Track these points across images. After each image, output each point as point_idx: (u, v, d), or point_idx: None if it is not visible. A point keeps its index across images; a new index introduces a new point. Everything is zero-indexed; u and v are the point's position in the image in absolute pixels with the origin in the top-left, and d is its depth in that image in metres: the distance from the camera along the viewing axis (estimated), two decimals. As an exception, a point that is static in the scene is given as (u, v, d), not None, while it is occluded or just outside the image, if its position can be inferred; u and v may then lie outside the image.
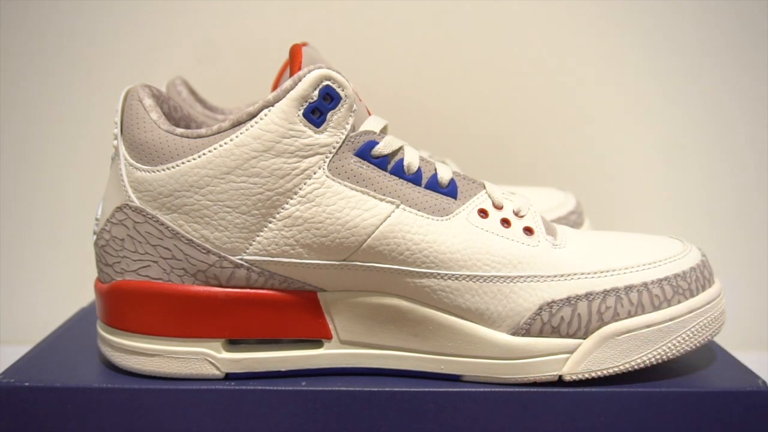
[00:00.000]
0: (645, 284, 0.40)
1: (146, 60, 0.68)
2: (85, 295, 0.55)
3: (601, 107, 0.69)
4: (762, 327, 0.71)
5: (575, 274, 0.40)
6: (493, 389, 0.40)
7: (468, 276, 0.40)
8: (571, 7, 0.68)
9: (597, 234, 0.44)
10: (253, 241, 0.39)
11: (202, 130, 0.39)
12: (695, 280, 0.41)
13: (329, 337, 0.41)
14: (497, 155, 0.69)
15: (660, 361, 0.40)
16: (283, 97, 0.38)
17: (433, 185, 0.41)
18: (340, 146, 0.39)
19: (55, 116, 0.69)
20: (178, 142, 0.39)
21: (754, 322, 0.71)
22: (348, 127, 0.39)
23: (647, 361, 0.40)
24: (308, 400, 0.40)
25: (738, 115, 0.69)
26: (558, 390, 0.40)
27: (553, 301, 0.40)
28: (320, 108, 0.39)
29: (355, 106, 0.40)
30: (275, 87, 0.50)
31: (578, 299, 0.40)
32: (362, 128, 0.40)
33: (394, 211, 0.40)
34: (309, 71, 0.38)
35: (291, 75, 0.39)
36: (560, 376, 0.40)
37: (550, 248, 0.41)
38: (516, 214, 0.42)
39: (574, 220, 0.55)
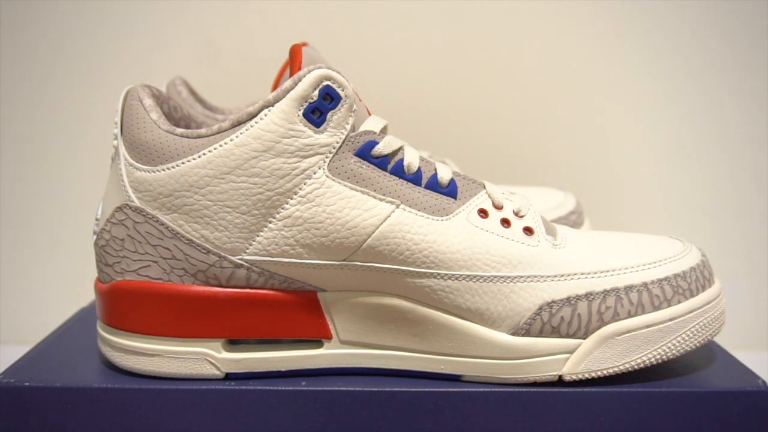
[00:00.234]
0: (645, 284, 0.40)
1: (146, 60, 0.68)
2: (85, 295, 0.55)
3: (601, 107, 0.69)
4: (762, 327, 0.71)
5: (575, 274, 0.40)
6: (493, 389, 0.40)
7: (468, 276, 0.40)
8: (571, 7, 0.68)
9: (597, 234, 0.44)
10: (253, 241, 0.39)
11: (202, 130, 0.39)
12: (695, 280, 0.41)
13: (329, 337, 0.41)
14: (497, 155, 0.69)
15: (660, 361, 0.40)
16: (283, 97, 0.38)
17: (433, 185, 0.41)
18: (340, 146, 0.39)
19: (55, 116, 0.69)
20: (178, 142, 0.39)
21: (754, 322, 0.71)
22: (348, 127, 0.39)
23: (647, 361, 0.40)
24: (308, 400, 0.40)
25: (738, 115, 0.69)
26: (558, 390, 0.40)
27: (553, 301, 0.40)
28: (320, 108, 0.39)
29: (355, 106, 0.40)
30: (275, 87, 0.50)
31: (578, 299, 0.40)
32: (362, 128, 0.40)
33: (394, 211, 0.40)
34: (309, 71, 0.38)
35: (291, 75, 0.39)
36: (560, 376, 0.40)
37: (550, 248, 0.41)
38: (516, 214, 0.42)
39: (574, 220, 0.55)
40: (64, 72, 0.68)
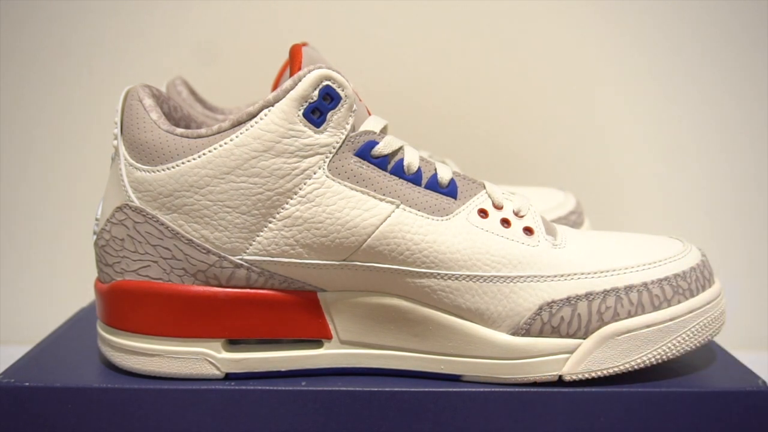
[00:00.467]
0: (645, 284, 0.40)
1: (146, 60, 0.68)
2: (85, 295, 0.55)
3: (601, 107, 0.69)
4: (762, 327, 0.71)
5: (575, 274, 0.40)
6: (493, 389, 0.40)
7: (468, 276, 0.40)
8: (571, 7, 0.68)
9: (597, 234, 0.44)
10: (253, 241, 0.39)
11: (202, 130, 0.39)
12: (695, 280, 0.41)
13: (329, 337, 0.41)
14: (497, 155, 0.69)
15: (660, 361, 0.40)
16: (283, 97, 0.38)
17: (433, 185, 0.41)
18: (340, 146, 0.39)
19: (55, 116, 0.69)
20: (178, 142, 0.39)
21: (754, 322, 0.71)
22: (348, 127, 0.39)
23: (647, 361, 0.40)
24: (308, 400, 0.40)
25: (738, 115, 0.69)
26: (558, 390, 0.40)
27: (553, 301, 0.40)
28: (320, 108, 0.39)
29: (355, 106, 0.40)
30: (275, 87, 0.50)
31: (578, 299, 0.40)
32: (362, 128, 0.40)
33: (394, 211, 0.40)
34: (309, 71, 0.38)
35: (291, 75, 0.39)
36: (560, 376, 0.40)
37: (550, 248, 0.41)
38: (516, 214, 0.42)
39: (574, 220, 0.55)
40: (64, 72, 0.68)
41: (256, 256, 0.40)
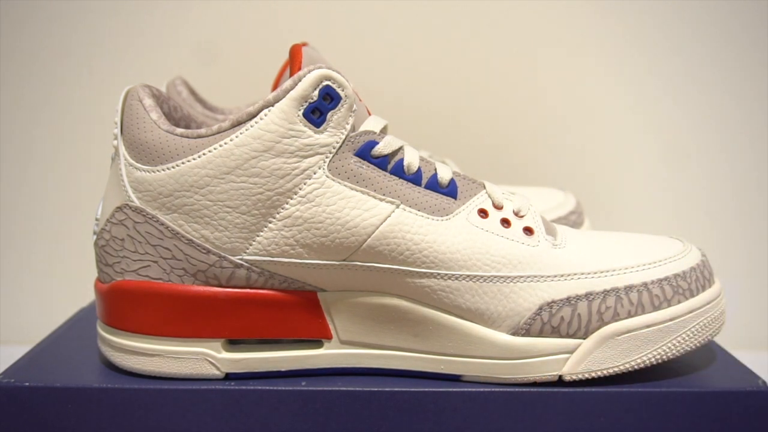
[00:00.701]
0: (645, 284, 0.40)
1: (146, 60, 0.68)
2: (85, 295, 0.55)
3: (601, 107, 0.69)
4: (762, 327, 0.71)
5: (575, 274, 0.40)
6: (493, 389, 0.40)
7: (468, 276, 0.40)
8: (571, 7, 0.68)
9: (597, 234, 0.44)
10: (253, 241, 0.39)
11: (202, 130, 0.39)
12: (695, 280, 0.41)
13: (329, 337, 0.41)
14: (497, 155, 0.69)
15: (660, 361, 0.40)
16: (283, 97, 0.38)
17: (433, 185, 0.41)
18: (340, 146, 0.39)
19: (55, 116, 0.69)
20: (178, 142, 0.39)
21: (754, 322, 0.71)
22: (348, 127, 0.39)
23: (647, 361, 0.40)
24: (308, 400, 0.40)
25: (738, 115, 0.69)
26: (558, 390, 0.40)
27: (553, 301, 0.40)
28: (320, 108, 0.39)
29: (355, 106, 0.40)
30: (275, 87, 0.50)
31: (578, 299, 0.40)
32: (362, 128, 0.40)
33: (394, 211, 0.40)
34: (309, 71, 0.38)
35: (291, 75, 0.39)
36: (560, 376, 0.40)
37: (550, 248, 0.41)
38: (516, 214, 0.42)
39: (574, 220, 0.55)
40: (64, 72, 0.68)
41: (256, 256, 0.40)
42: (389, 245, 0.39)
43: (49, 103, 0.68)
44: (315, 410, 0.40)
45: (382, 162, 0.40)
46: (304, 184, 0.39)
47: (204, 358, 0.40)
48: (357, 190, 0.39)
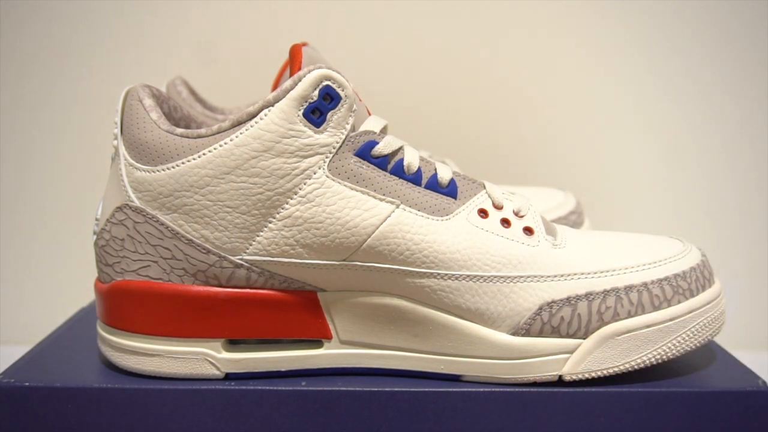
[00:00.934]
0: (645, 284, 0.40)
1: (146, 60, 0.68)
2: (85, 295, 0.55)
3: (601, 107, 0.69)
4: (762, 327, 0.71)
5: (575, 274, 0.40)
6: (493, 389, 0.40)
7: (468, 276, 0.40)
8: (571, 7, 0.68)
9: (597, 234, 0.44)
10: (253, 241, 0.39)
11: (202, 130, 0.39)
12: (695, 280, 0.41)
13: (329, 337, 0.41)
14: (497, 155, 0.69)
15: (660, 361, 0.40)
16: (283, 97, 0.38)
17: (433, 185, 0.41)
18: (340, 146, 0.39)
19: (55, 116, 0.69)
20: (178, 142, 0.39)
21: (754, 322, 0.71)
22: (348, 127, 0.39)
23: (647, 361, 0.40)
24: (308, 400, 0.40)
25: (738, 115, 0.69)
26: (558, 390, 0.40)
27: (553, 301, 0.40)
28: (320, 108, 0.39)
29: (355, 106, 0.40)
30: (275, 87, 0.50)
31: (578, 299, 0.40)
32: (362, 128, 0.40)
33: (394, 211, 0.40)
34: (309, 71, 0.38)
35: (291, 75, 0.39)
36: (560, 376, 0.40)
37: (550, 248, 0.41)
38: (516, 214, 0.42)
39: (574, 220, 0.55)
40: (64, 72, 0.68)
41: (256, 256, 0.40)
42: (389, 245, 0.39)
43: (49, 103, 0.68)
44: (315, 410, 0.40)
45: (382, 162, 0.40)
46: (304, 184, 0.39)
47: (204, 358, 0.40)
48: (357, 190, 0.39)
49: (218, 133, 0.39)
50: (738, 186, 0.70)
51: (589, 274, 0.40)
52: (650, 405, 0.40)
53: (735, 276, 0.66)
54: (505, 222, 0.41)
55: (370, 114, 0.42)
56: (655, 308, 0.40)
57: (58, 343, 0.46)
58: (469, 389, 0.40)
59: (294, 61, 0.40)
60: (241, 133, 0.38)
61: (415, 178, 0.41)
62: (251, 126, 0.38)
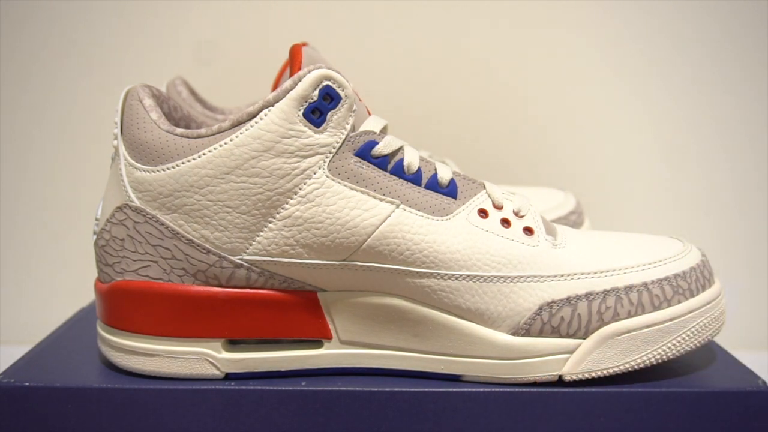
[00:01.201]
0: (645, 284, 0.40)
1: (146, 60, 0.68)
2: (85, 295, 0.55)
3: (601, 107, 0.69)
4: (762, 327, 0.71)
5: (575, 274, 0.40)
6: (493, 389, 0.40)
7: (468, 276, 0.40)
8: (571, 6, 0.68)
9: (597, 234, 0.44)
10: (253, 241, 0.39)
11: (202, 130, 0.39)
12: (695, 280, 0.41)
13: (329, 337, 0.41)
14: (497, 155, 0.69)
15: (660, 361, 0.40)
16: (283, 97, 0.38)
17: (433, 185, 0.41)
18: (340, 146, 0.39)
19: (55, 116, 0.69)
20: (178, 142, 0.39)
21: (754, 322, 0.71)
22: (348, 127, 0.39)
23: (647, 361, 0.40)
24: (308, 400, 0.40)
25: (738, 115, 0.69)
26: (558, 390, 0.40)
27: (553, 301, 0.40)
28: (320, 108, 0.39)
29: (355, 106, 0.40)
30: (275, 87, 0.50)
31: (578, 299, 0.40)
32: (362, 128, 0.40)
33: (394, 211, 0.40)
34: (309, 71, 0.38)
35: (291, 75, 0.39)
36: (560, 376, 0.40)
37: (550, 248, 0.41)
38: (516, 214, 0.42)
39: (574, 220, 0.55)
40: (64, 72, 0.68)
41: (256, 256, 0.40)
42: (389, 245, 0.39)
43: (49, 103, 0.68)
44: (315, 410, 0.40)
45: (382, 162, 0.40)
46: (304, 184, 0.39)
47: (204, 358, 0.40)
48: (357, 190, 0.39)
49: (218, 133, 0.39)
50: (738, 186, 0.70)
51: (589, 274, 0.40)
52: (650, 405, 0.40)
53: (735, 276, 0.66)
54: (505, 222, 0.41)
55: (370, 114, 0.42)
56: (655, 308, 0.40)
57: (58, 343, 0.46)
58: (469, 389, 0.40)
59: (294, 61, 0.40)
60: (241, 133, 0.38)
61: (415, 178, 0.41)
62: (251, 126, 0.38)
